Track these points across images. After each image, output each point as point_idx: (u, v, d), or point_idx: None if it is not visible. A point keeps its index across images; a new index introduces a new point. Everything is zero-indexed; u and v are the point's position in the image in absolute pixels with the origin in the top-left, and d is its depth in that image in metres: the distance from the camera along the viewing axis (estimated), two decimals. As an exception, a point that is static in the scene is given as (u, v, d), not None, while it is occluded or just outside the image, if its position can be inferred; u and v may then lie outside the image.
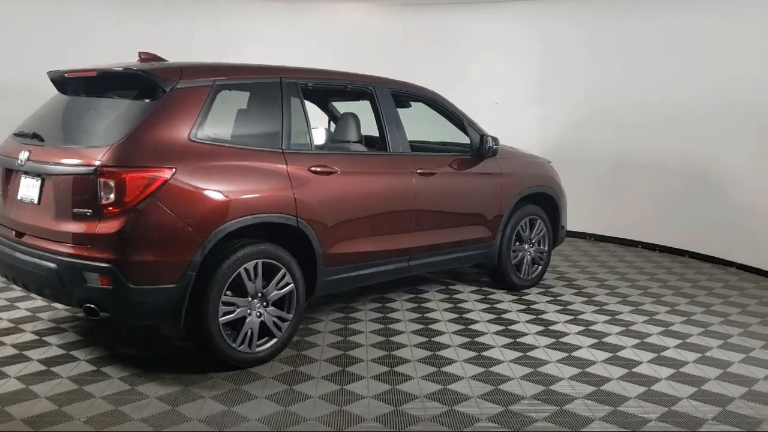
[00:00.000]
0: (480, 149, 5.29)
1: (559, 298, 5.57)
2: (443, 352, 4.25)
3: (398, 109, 5.60)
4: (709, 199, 7.03)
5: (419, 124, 5.93)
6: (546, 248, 5.95)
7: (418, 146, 5.53)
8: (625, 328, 4.80)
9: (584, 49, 8.09)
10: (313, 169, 4.18)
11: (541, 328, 4.77)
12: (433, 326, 4.75)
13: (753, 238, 6.61)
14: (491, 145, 5.24)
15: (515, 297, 5.57)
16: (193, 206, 3.65)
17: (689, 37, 7.15)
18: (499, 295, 5.62)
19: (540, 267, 5.92)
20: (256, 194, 3.88)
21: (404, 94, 5.15)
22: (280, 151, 4.07)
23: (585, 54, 8.08)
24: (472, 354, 4.24)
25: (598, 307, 5.30)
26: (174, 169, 3.59)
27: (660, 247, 7.61)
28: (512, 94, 8.53)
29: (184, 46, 7.96)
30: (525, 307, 5.29)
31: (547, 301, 5.45)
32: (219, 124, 3.94)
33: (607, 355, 4.28)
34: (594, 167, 8.06)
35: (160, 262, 3.57)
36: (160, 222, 3.55)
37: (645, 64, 7.55)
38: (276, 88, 4.19)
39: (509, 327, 4.78)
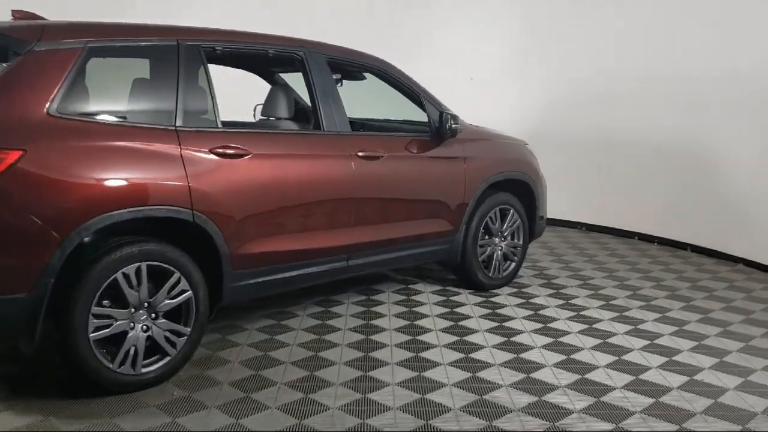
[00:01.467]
0: (439, 129, 4.53)
1: (531, 300, 4.82)
2: (377, 372, 3.54)
3: (352, 82, 4.91)
4: (713, 188, 6.23)
5: (374, 100, 5.20)
6: (520, 242, 5.20)
7: (363, 125, 4.80)
8: (602, 341, 4.05)
9: (571, 18, 7.26)
10: (217, 151, 3.44)
11: (502, 339, 4.04)
12: (376, 336, 4.03)
13: (764, 231, 5.81)
14: (450, 124, 4.47)
15: (481, 299, 4.83)
16: (49, 197, 2.94)
17: (692, 8, 6.31)
18: (463, 296, 4.88)
19: (513, 264, 5.18)
20: (136, 182, 3.15)
21: (345, 63, 4.37)
22: (173, 128, 3.33)
23: (573, 24, 7.25)
24: (411, 375, 3.52)
25: (574, 313, 4.55)
26: (23, 151, 2.87)
27: (658, 240, 6.82)
28: (490, 69, 7.72)
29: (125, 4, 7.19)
30: (489, 311, 4.55)
31: (517, 305, 4.71)
32: (91, 95, 3.21)
33: (575, 377, 3.54)
34: (585, 150, 7.26)
35: (3, 267, 2.87)
36: (2, 217, 2.85)
37: (643, 38, 6.72)
38: (171, 53, 3.44)
39: (464, 338, 4.05)
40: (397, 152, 4.34)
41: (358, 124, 4.67)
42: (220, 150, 3.45)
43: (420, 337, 4.05)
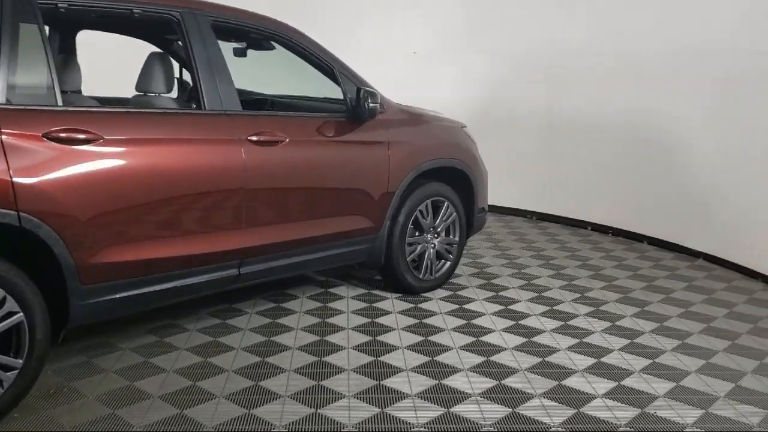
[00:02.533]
0: (356, 108, 3.85)
1: (466, 306, 4.21)
2: (263, 410, 2.88)
3: (260, 53, 4.21)
4: (673, 176, 5.68)
5: (293, 77, 4.51)
6: (456, 238, 4.57)
7: (262, 103, 4.10)
8: (540, 359, 3.45)
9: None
10: (54, 135, 2.71)
11: (424, 359, 3.41)
12: (274, 359, 3.36)
13: (727, 223, 5.28)
14: (369, 102, 3.79)
15: (408, 305, 4.19)
16: None
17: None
18: (388, 302, 4.24)
19: (448, 263, 4.55)
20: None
21: (236, 27, 3.65)
22: (-11, 105, 2.60)
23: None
24: (306, 412, 2.87)
25: (512, 322, 3.95)
26: None
27: (613, 230, 6.27)
28: (433, 42, 7.05)
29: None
30: (415, 322, 3.92)
31: (449, 312, 4.09)
32: None
33: (506, 411, 2.94)
34: (535, 133, 6.65)
35: None
36: None
37: (591, 6, 6.10)
38: (-11, 9, 2.69)
39: (381, 357, 3.41)
40: (304, 136, 3.64)
41: (255, 103, 3.97)
42: (59, 134, 2.72)
43: (327, 359, 3.40)
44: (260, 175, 3.38)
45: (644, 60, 5.74)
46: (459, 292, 4.47)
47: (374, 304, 4.19)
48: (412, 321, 3.94)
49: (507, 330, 3.84)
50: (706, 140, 5.38)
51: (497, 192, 6.70)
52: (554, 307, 4.24)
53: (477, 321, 3.96)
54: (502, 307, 4.21)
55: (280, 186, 3.50)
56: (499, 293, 4.48)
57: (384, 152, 4.00)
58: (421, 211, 4.30)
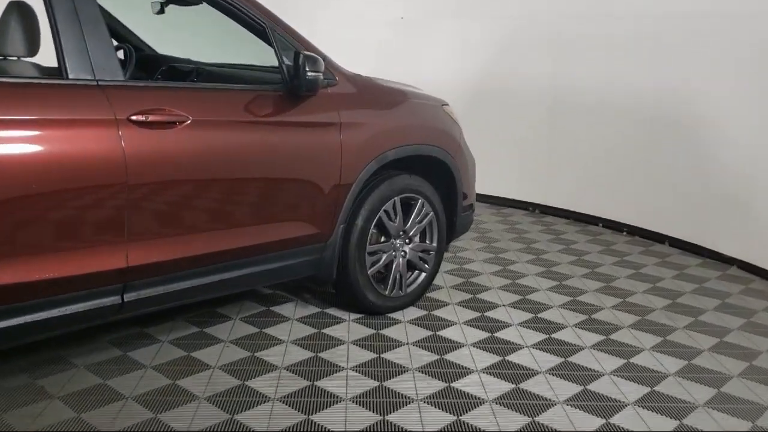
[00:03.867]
0: (293, 79, 2.93)
1: (441, 332, 3.32)
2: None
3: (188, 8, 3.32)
4: (703, 166, 4.73)
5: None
6: (434, 243, 3.67)
7: (182, 74, 3.21)
8: (529, 419, 2.58)
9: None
10: None
11: (374, 418, 2.54)
12: (166, 417, 2.50)
13: (757, 223, 4.35)
14: (307, 71, 2.87)
15: (366, 332, 3.30)
16: None
17: None
18: (342, 327, 3.35)
19: (423, 274, 3.65)
20: None
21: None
22: None
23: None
24: None
25: (498, 357, 3.06)
26: None
27: (629, 228, 5.34)
28: (422, 4, 6.10)
29: None
30: (372, 357, 3.03)
31: (418, 342, 3.20)
32: None
33: None
34: (540, 112, 5.70)
35: None
36: None
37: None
38: None
39: (316, 416, 2.54)
40: (216, 115, 2.72)
41: (173, 73, 3.07)
42: None
43: (243, 416, 2.53)
44: (148, 169, 2.48)
45: (666, 24, 4.78)
46: (436, 312, 3.58)
47: (324, 330, 3.31)
48: (367, 356, 3.05)
49: (491, 371, 2.94)
50: (742, 121, 4.42)
51: (493, 180, 5.82)
52: (553, 335, 3.34)
53: (452, 356, 3.07)
54: (486, 335, 3.31)
55: (180, 184, 2.61)
56: (486, 313, 3.58)
57: (334, 136, 3.08)
58: (387, 212, 3.40)
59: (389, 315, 3.51)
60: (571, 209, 5.70)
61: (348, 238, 3.26)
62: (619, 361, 3.07)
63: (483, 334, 3.31)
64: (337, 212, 3.15)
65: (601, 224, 5.50)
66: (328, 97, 3.07)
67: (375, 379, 2.83)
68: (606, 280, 4.18)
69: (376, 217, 3.35)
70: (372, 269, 3.39)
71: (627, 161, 5.22)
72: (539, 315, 3.59)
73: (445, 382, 2.83)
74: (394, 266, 3.48)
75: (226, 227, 2.78)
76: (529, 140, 5.80)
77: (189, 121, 2.58)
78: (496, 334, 3.32)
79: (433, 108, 3.70)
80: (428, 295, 3.79)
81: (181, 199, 2.62)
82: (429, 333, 3.32)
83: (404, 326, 3.39)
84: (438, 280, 3.99)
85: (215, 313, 3.44)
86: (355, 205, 3.26)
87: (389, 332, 3.31)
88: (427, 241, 3.65)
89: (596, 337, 3.32)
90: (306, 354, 3.04)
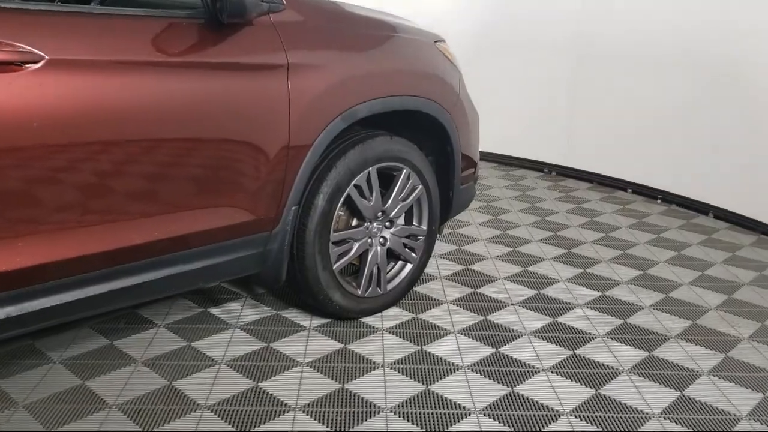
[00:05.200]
0: (214, 3, 2.04)
1: (430, 347, 2.49)
2: None
3: None
4: (756, 124, 3.83)
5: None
6: (424, 226, 2.83)
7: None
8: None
9: None
10: None
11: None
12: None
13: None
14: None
15: (331, 346, 2.46)
16: None
17: None
18: (298, 339, 2.54)
19: (409, 265, 2.82)
20: None
21: None
22: None
23: None
24: None
25: (506, 388, 2.23)
26: None
27: (665, 196, 4.46)
28: None
29: None
30: (335, 388, 2.22)
31: (396, 365, 2.36)
32: None
33: None
34: (561, 54, 4.76)
35: None
36: None
37: None
38: None
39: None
40: (91, 53, 1.82)
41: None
42: None
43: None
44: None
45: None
46: (423, 316, 2.75)
47: (275, 344, 2.49)
48: (326, 387, 2.24)
49: (496, 412, 2.13)
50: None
51: (502, 137, 4.94)
52: (577, 351, 2.52)
53: (444, 386, 2.26)
54: (490, 350, 2.50)
55: (32, 157, 1.75)
56: (491, 316, 2.76)
57: (278, 84, 2.19)
58: (358, 187, 2.54)
59: (364, 320, 2.69)
60: (595, 171, 4.82)
61: (304, 223, 2.42)
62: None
63: (486, 350, 2.50)
64: (285, 190, 2.29)
65: (630, 190, 4.62)
66: (269, 29, 2.17)
67: (327, 427, 2.03)
68: (640, 266, 3.33)
69: (344, 195, 2.49)
70: (339, 263, 2.55)
71: (663, 116, 4.31)
72: (560, 320, 2.76)
73: (435, 429, 2.03)
74: (369, 258, 2.64)
75: (114, 218, 1.93)
76: (545, 90, 4.88)
77: (43, 62, 1.71)
78: (503, 349, 2.50)
79: (423, 46, 2.78)
80: (417, 289, 2.97)
81: (37, 180, 1.76)
82: (413, 348, 2.50)
83: (381, 337, 2.58)
84: (430, 268, 3.17)
85: (135, 316, 2.63)
86: (314, 179, 2.40)
87: (360, 347, 2.49)
88: (415, 223, 2.80)
89: (631, 357, 2.50)
90: (242, 383, 2.23)
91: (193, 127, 2.04)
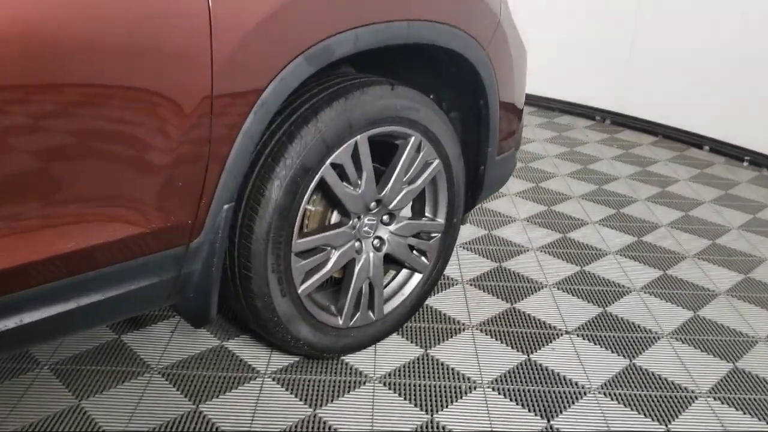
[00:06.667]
0: None
1: (453, 409, 1.63)
2: None
3: None
4: None
5: None
6: (441, 219, 1.90)
7: None
8: None
9: None
10: None
11: None
12: None
13: None
14: None
15: (299, 411, 1.62)
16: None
17: None
18: (246, 391, 1.67)
19: (418, 276, 1.91)
20: None
21: None
22: None
23: None
24: None
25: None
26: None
27: (753, 156, 3.47)
28: None
29: None
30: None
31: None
32: None
33: None
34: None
35: None
36: None
37: None
38: None
39: None
40: None
41: None
42: None
43: None
44: None
45: None
46: (438, 351, 1.86)
47: (223, 397, 1.63)
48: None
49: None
50: None
51: (544, 74, 3.95)
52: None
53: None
54: (543, 422, 1.62)
55: None
56: (535, 356, 1.87)
57: (194, 18, 1.24)
58: (338, 166, 1.61)
59: (346, 359, 1.82)
60: (660, 122, 3.81)
61: (249, 228, 1.51)
62: None
63: (539, 423, 1.62)
64: (209, 177, 1.36)
65: (707, 147, 3.63)
66: None
67: None
68: (740, 269, 2.40)
69: (315, 179, 1.57)
70: (307, 284, 1.65)
71: (749, 59, 3.28)
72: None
73: None
74: (356, 272, 1.74)
75: None
76: (602, 14, 3.83)
77: None
78: (556, 423, 1.62)
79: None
80: (429, 303, 2.08)
81: None
82: (424, 418, 1.62)
83: (372, 398, 1.69)
84: (450, 268, 2.27)
85: (27, 357, 1.78)
86: (264, 157, 1.48)
87: (341, 407, 1.62)
88: (428, 215, 1.88)
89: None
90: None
91: (37, 64, 1.10)
